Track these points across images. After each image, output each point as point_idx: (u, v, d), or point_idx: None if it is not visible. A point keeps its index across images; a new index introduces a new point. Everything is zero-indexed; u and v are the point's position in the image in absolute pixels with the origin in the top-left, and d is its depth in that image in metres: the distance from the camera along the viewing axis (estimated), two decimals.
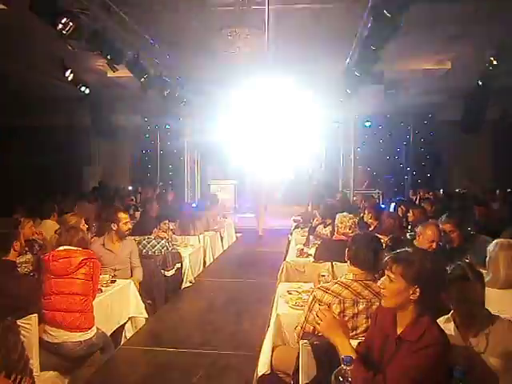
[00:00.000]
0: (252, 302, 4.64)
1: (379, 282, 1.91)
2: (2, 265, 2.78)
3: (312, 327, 2.39)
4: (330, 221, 5.00)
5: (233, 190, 13.37)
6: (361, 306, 2.36)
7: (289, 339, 2.87)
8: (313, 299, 2.46)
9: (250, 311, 4.35)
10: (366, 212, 5.41)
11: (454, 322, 2.07)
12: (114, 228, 4.04)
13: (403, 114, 12.63)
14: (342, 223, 4.16)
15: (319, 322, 2.03)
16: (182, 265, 5.07)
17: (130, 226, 4.22)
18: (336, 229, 4.25)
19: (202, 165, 12.40)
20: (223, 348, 3.41)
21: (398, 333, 1.83)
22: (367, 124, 13.57)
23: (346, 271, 2.64)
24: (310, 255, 4.58)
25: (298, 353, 2.31)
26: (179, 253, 5.16)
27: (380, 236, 4.13)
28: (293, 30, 7.05)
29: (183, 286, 5.17)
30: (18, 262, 3.16)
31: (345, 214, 4.31)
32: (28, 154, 13.38)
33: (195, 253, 5.78)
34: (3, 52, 7.84)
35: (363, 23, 6.17)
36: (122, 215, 4.09)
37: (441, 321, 2.07)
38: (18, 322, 2.63)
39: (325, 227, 5.24)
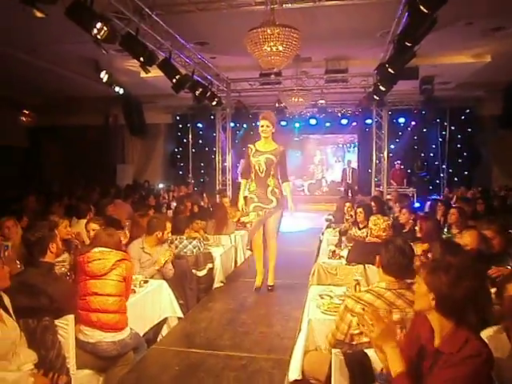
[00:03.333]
0: (283, 304, 4.61)
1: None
2: (40, 266, 2.86)
3: (343, 336, 2.35)
4: (365, 222, 4.91)
5: None
6: (395, 317, 2.27)
7: (320, 344, 2.83)
8: (344, 308, 2.41)
9: (280, 313, 4.33)
10: (402, 213, 5.27)
11: (507, 334, 1.97)
12: (159, 236, 4.18)
13: (439, 109, 12.24)
14: (376, 225, 4.07)
15: (369, 328, 1.92)
16: (213, 265, 5.10)
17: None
18: (370, 231, 4.16)
19: (234, 162, 12.42)
20: (254, 351, 3.40)
21: (436, 344, 1.76)
22: (401, 120, 13.26)
23: (378, 275, 2.58)
24: (343, 257, 4.50)
25: (330, 361, 2.27)
26: (211, 253, 5.19)
27: (416, 240, 4.07)
28: (324, 28, 6.98)
29: (214, 286, 5.20)
30: (55, 261, 3.25)
31: (379, 216, 4.21)
32: (64, 152, 13.84)
33: (227, 252, 5.80)
34: (40, 55, 8.14)
35: (397, 19, 6.03)
36: (168, 224, 4.35)
37: (490, 332, 1.98)
38: (56, 321, 2.71)
39: (359, 229, 5.15)
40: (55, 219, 3.66)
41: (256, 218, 4.93)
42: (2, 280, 2.35)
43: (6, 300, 2.49)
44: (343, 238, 5.33)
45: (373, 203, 6.30)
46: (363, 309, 2.21)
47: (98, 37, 4.62)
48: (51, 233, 3.00)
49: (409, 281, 2.41)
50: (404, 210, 5.25)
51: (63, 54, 8.01)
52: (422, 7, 4.28)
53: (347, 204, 7.12)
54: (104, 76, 8.57)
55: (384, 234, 4.03)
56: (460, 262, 1.86)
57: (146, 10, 5.66)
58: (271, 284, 5.13)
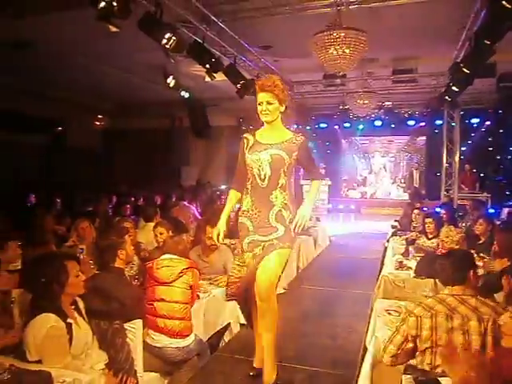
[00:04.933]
0: (347, 315, 4.48)
1: (501, 318, 1.72)
2: (111, 271, 2.99)
3: (396, 349, 2.29)
4: (435, 233, 4.65)
5: (326, 191, 13.10)
6: (455, 322, 2.20)
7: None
8: (405, 312, 2.40)
9: (344, 325, 4.20)
10: (478, 223, 4.88)
11: None
12: (208, 243, 4.16)
13: None
14: (447, 237, 3.84)
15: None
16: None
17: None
18: (441, 243, 3.93)
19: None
20: (318, 364, 3.33)
21: None
22: (474, 121, 12.46)
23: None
24: (411, 268, 4.29)
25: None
26: None
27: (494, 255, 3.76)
28: (392, 27, 6.71)
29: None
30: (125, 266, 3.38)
31: (451, 227, 3.97)
32: (133, 155, 14.49)
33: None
34: (113, 63, 8.58)
35: (474, 15, 5.65)
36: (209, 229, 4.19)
37: None
38: (125, 325, 2.82)
39: (428, 239, 4.88)
40: (126, 225, 3.80)
41: (251, 262, 2.90)
42: (78, 288, 2.48)
43: (80, 303, 2.63)
44: (411, 248, 5.08)
45: (443, 211, 5.95)
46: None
47: (167, 46, 4.77)
48: (121, 240, 3.12)
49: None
50: (481, 221, 4.86)
51: (133, 61, 8.39)
52: (504, 2, 3.97)
53: (415, 211, 6.78)
54: (171, 81, 8.86)
55: (457, 246, 3.79)
56: None
57: (213, 17, 5.76)
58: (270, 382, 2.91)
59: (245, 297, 3.09)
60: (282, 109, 2.89)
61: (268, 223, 2.85)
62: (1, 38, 7.03)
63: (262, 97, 2.83)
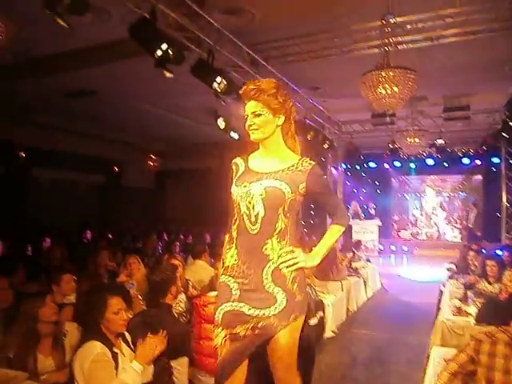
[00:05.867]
0: (401, 363, 4.21)
1: None
2: (160, 307, 3.02)
3: (457, 366, 2.30)
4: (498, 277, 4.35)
5: (376, 231, 12.76)
6: None
7: None
8: (470, 339, 2.39)
9: (398, 373, 3.95)
10: None
11: None
12: None
13: None
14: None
15: None
16: (324, 313, 4.91)
17: None
18: (505, 287, 3.67)
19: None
20: None
21: None
22: None
23: None
24: (470, 315, 4.01)
25: None
26: (322, 300, 5.02)
27: None
28: (442, 65, 6.65)
29: (325, 336, 4.99)
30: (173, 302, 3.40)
31: None
32: (184, 194, 14.92)
33: (338, 301, 5.56)
34: (166, 106, 9.05)
35: None
36: None
37: None
38: (171, 362, 2.80)
39: (489, 283, 4.58)
40: (175, 262, 3.87)
41: (229, 346, 2.02)
42: (116, 325, 2.49)
43: (128, 337, 2.67)
44: (469, 293, 4.78)
45: (505, 253, 5.59)
46: None
47: (218, 90, 4.98)
48: (173, 275, 3.17)
49: None
50: None
51: (186, 104, 8.80)
52: None
53: (471, 253, 6.42)
54: (221, 123, 9.16)
55: None
56: None
57: (262, 61, 5.98)
58: None
59: None
60: (280, 121, 2.07)
61: (261, 287, 1.97)
62: (65, 88, 7.67)
63: (246, 108, 2.08)
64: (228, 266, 2.07)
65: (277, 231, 2.00)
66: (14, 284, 3.80)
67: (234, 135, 10.11)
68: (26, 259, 5.20)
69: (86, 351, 2.31)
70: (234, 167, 2.20)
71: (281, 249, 2.00)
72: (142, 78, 6.96)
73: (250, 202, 2.01)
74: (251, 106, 2.05)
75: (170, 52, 4.06)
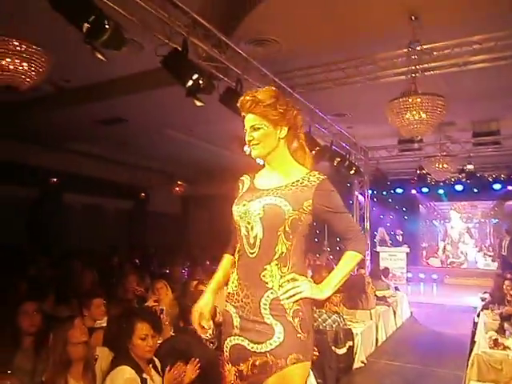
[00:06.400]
0: None
1: None
2: (188, 333, 3.02)
3: None
4: None
5: (404, 258, 12.47)
6: None
7: None
8: None
9: None
10: None
11: None
12: None
13: None
14: None
15: None
16: (353, 343, 4.79)
17: None
18: None
19: (372, 230, 11.96)
20: None
21: None
22: None
23: None
24: (508, 348, 3.85)
25: None
26: (351, 329, 4.90)
27: None
28: (470, 90, 6.61)
29: (355, 367, 4.85)
30: None
31: None
32: (209, 219, 15.04)
33: (367, 330, 5.43)
34: (195, 134, 9.25)
35: None
36: None
37: None
38: None
39: None
40: (202, 288, 3.87)
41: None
42: (143, 351, 2.53)
43: (158, 363, 2.67)
44: (506, 324, 4.59)
45: None
46: None
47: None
48: None
49: None
50: None
51: (214, 132, 8.97)
52: None
53: (506, 282, 6.19)
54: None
55: None
56: None
57: (289, 89, 6.08)
58: None
59: None
60: (283, 133, 1.88)
61: (259, 318, 1.74)
62: (98, 116, 7.95)
63: (245, 122, 1.90)
64: (230, 293, 1.87)
65: (276, 256, 1.76)
66: (43, 308, 3.86)
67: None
68: (56, 283, 5.29)
69: (117, 376, 2.33)
70: (240, 185, 2.04)
71: (281, 277, 1.75)
72: (170, 107, 7.17)
73: (248, 223, 1.81)
74: (249, 120, 1.87)
75: (201, 82, 4.18)
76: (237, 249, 1.89)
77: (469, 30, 4.97)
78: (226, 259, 2.02)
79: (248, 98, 1.85)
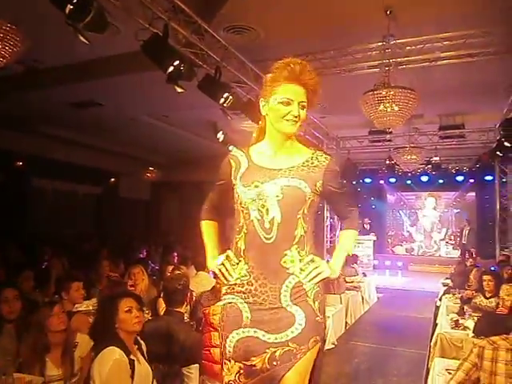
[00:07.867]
0: (401, 375, 4.30)
1: None
2: (173, 315, 3.09)
3: None
4: (494, 291, 4.47)
5: (371, 246, 12.88)
6: None
7: None
8: (473, 346, 2.61)
9: None
10: None
11: None
12: None
13: None
14: (509, 295, 3.70)
15: None
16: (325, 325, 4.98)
17: None
18: (501, 301, 3.79)
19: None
20: None
21: None
22: None
23: None
24: (468, 328, 4.12)
25: None
26: None
27: None
28: (438, 85, 6.85)
29: (326, 348, 5.05)
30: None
31: None
32: (180, 206, 14.99)
33: (338, 313, 5.66)
34: (170, 120, 9.18)
35: None
36: None
37: None
38: (183, 370, 2.87)
39: (485, 298, 4.69)
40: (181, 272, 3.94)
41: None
42: (130, 324, 2.54)
43: (143, 345, 2.73)
44: (466, 307, 4.90)
45: (507, 269, 5.73)
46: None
47: (225, 105, 5.12)
48: (188, 284, 3.25)
49: None
50: None
51: (189, 118, 8.93)
52: None
53: (470, 268, 6.56)
54: (220, 136, 9.27)
55: None
56: None
57: (266, 78, 6.13)
58: None
59: None
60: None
61: (278, 306, 1.65)
62: (70, 99, 7.76)
63: (292, 92, 1.71)
64: (236, 284, 1.72)
65: (296, 240, 1.67)
66: (22, 293, 3.83)
67: (232, 148, 10.25)
68: (34, 269, 5.21)
69: (105, 357, 2.36)
70: (232, 162, 1.84)
71: (301, 260, 1.67)
72: (146, 92, 7.08)
73: (263, 206, 1.67)
74: (299, 94, 1.71)
75: (182, 68, 4.19)
76: (239, 235, 1.75)
77: (441, 27, 5.17)
78: (208, 225, 2.00)
79: (310, 70, 1.72)
